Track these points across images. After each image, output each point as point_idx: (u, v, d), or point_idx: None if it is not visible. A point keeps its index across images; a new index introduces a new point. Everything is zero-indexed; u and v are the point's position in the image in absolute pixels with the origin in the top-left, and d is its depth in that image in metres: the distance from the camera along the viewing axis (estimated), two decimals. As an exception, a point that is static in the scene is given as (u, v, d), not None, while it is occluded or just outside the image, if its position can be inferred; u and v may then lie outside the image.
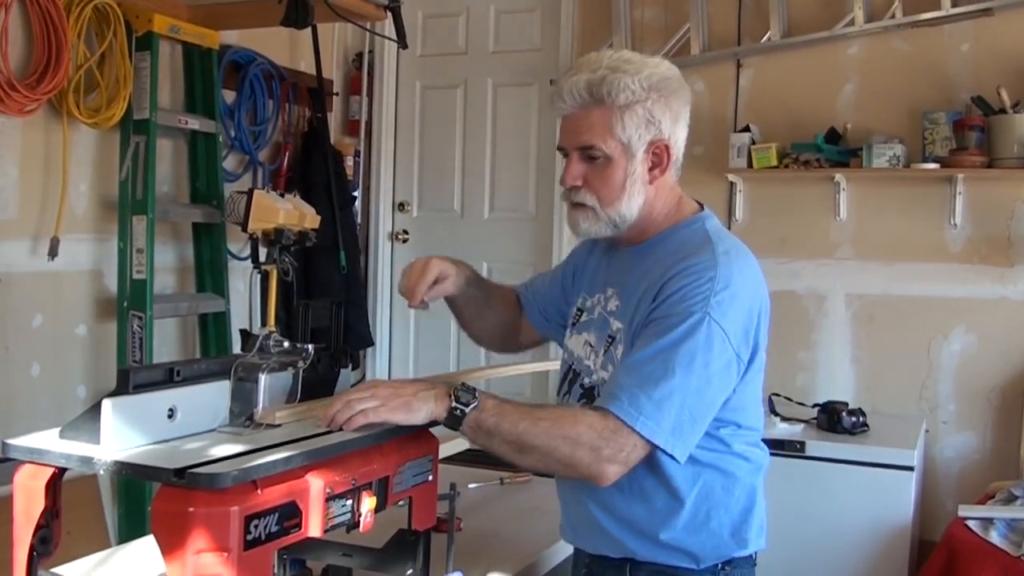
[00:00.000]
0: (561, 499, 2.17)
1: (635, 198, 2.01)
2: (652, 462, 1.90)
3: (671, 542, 1.98)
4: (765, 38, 4.92)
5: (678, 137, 2.04)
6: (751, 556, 2.08)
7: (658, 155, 2.02)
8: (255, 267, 4.10)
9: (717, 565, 2.02)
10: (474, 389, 1.84)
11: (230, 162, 4.85)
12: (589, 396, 2.06)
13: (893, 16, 4.66)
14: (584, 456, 1.82)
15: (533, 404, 1.92)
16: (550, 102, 2.04)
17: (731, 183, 5.01)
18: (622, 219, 2.02)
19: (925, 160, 4.58)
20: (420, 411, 1.81)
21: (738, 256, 2.00)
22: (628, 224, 2.03)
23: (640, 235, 2.07)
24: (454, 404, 1.81)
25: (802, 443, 4.17)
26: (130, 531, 4.03)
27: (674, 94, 2.02)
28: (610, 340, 2.03)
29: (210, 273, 4.59)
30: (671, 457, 1.85)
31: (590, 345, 2.10)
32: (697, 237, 2.02)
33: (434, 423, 1.85)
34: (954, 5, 4.54)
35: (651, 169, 2.02)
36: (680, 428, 1.84)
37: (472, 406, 1.81)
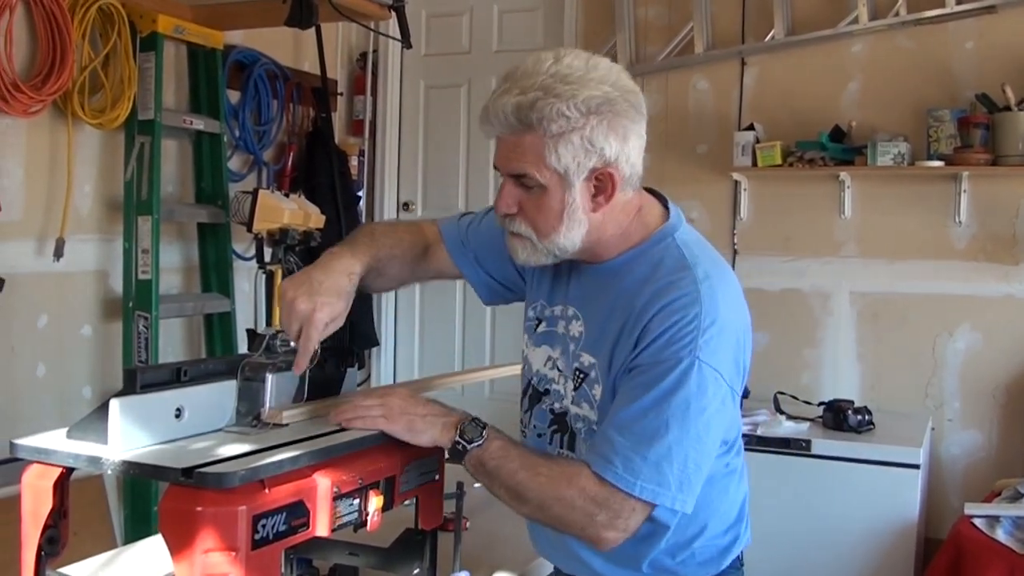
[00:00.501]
0: None
1: (575, 228, 1.80)
2: None
3: (654, 566, 1.91)
4: (769, 36, 4.92)
5: (629, 155, 1.78)
6: (738, 557, 2.02)
7: (601, 182, 1.78)
8: (260, 267, 4.12)
9: None
10: (484, 426, 1.79)
11: (235, 162, 4.85)
12: (560, 423, 1.95)
13: (897, 14, 4.65)
14: (578, 520, 1.74)
15: (540, 453, 1.88)
16: (479, 122, 1.81)
17: (735, 181, 5.01)
18: (562, 250, 1.83)
19: (930, 158, 4.57)
20: (423, 434, 1.79)
21: (719, 279, 1.82)
22: (571, 253, 1.85)
23: (594, 257, 1.89)
24: (457, 438, 1.78)
25: (808, 441, 4.17)
26: (136, 531, 4.03)
27: (620, 115, 1.75)
28: (582, 375, 1.89)
29: (215, 273, 4.59)
30: (679, 512, 1.76)
31: (557, 368, 1.96)
32: (671, 259, 1.84)
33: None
34: (958, 3, 4.53)
35: (594, 196, 1.79)
36: (687, 481, 1.74)
37: (476, 444, 1.77)
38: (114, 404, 1.57)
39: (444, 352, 5.78)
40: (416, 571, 1.93)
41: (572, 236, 1.81)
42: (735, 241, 5.00)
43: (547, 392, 1.99)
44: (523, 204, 1.81)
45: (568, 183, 1.76)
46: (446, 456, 1.83)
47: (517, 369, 2.15)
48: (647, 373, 1.75)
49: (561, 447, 1.95)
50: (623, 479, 1.71)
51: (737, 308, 1.85)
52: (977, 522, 3.77)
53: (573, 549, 1.94)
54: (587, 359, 1.88)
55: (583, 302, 1.93)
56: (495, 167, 1.85)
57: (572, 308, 1.95)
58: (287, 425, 1.78)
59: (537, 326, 2.03)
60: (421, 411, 1.80)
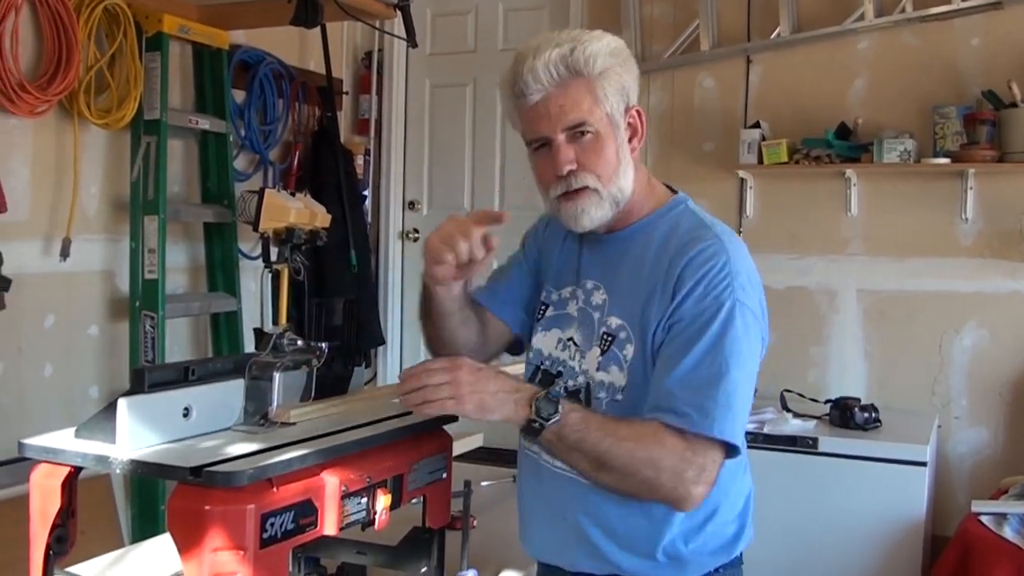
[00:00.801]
0: (531, 515, 2.07)
1: (629, 170, 1.91)
2: None
3: (668, 553, 1.91)
4: (775, 34, 4.91)
5: (637, 100, 1.94)
6: (739, 556, 2.02)
7: (633, 123, 1.92)
8: (266, 266, 4.10)
9: (715, 569, 1.97)
10: (557, 400, 1.76)
11: (240, 162, 4.85)
12: (574, 399, 1.93)
13: (903, 10, 4.64)
14: (667, 481, 1.75)
15: (615, 418, 1.84)
16: (512, 94, 1.89)
17: (741, 179, 5.00)
18: (623, 194, 1.90)
19: (936, 155, 4.57)
20: (494, 413, 1.74)
21: (732, 234, 1.95)
22: (626, 201, 1.92)
23: (624, 219, 1.96)
24: (533, 416, 1.74)
25: (814, 439, 4.17)
26: (143, 530, 4.04)
27: (628, 59, 1.91)
28: (610, 338, 1.91)
29: (222, 272, 4.60)
30: (736, 450, 1.81)
31: (573, 343, 1.99)
32: (687, 221, 1.95)
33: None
34: (964, -1, 4.54)
35: (630, 140, 1.92)
36: (744, 419, 1.82)
37: (553, 420, 1.74)
38: (122, 403, 1.58)
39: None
40: (424, 569, 1.93)
41: (628, 178, 1.90)
42: (741, 239, 4.99)
43: (560, 374, 2.00)
44: (579, 158, 1.86)
45: (616, 124, 1.87)
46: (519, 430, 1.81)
47: (522, 367, 2.15)
48: (693, 325, 1.80)
49: None
50: (700, 424, 1.75)
51: (750, 260, 1.93)
52: (984, 519, 3.76)
53: (592, 541, 1.93)
54: (615, 322, 1.92)
55: (603, 271, 1.98)
56: (532, 142, 1.90)
57: (591, 281, 1.99)
58: (295, 424, 1.79)
59: (544, 311, 2.06)
60: (491, 388, 1.75)
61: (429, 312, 2.03)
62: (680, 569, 1.93)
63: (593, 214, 1.89)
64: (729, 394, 1.76)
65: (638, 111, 1.92)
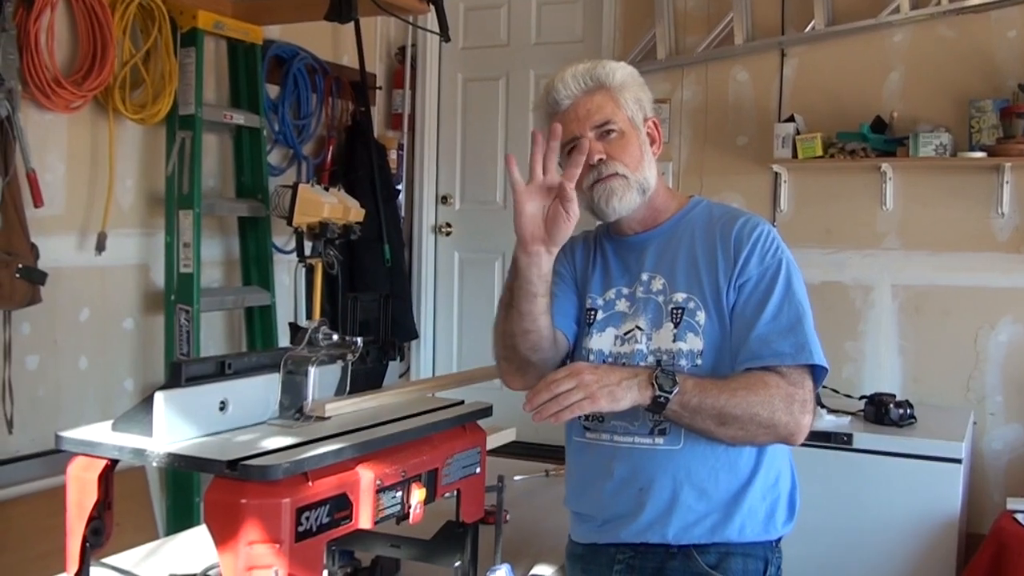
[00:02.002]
0: (599, 499, 2.12)
1: (652, 165, 2.14)
2: None
3: (751, 507, 2.05)
4: (809, 27, 4.89)
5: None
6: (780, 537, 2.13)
7: (651, 132, 2.17)
8: (300, 260, 4.14)
9: (771, 542, 2.09)
10: (672, 373, 1.93)
11: (274, 156, 4.88)
12: None
13: (938, 3, 4.61)
14: (782, 417, 1.95)
15: (719, 377, 2.00)
16: (546, 107, 2.14)
17: (776, 173, 4.97)
18: (648, 184, 2.12)
19: (972, 149, 4.52)
20: (624, 399, 1.89)
21: None
22: (650, 193, 2.13)
23: (654, 217, 2.19)
24: (658, 392, 1.90)
25: (849, 435, 4.14)
26: (178, 522, 4.06)
27: (644, 83, 2.18)
28: (679, 311, 2.08)
29: (256, 266, 4.62)
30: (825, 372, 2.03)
31: (639, 329, 2.10)
32: (717, 208, 2.20)
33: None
34: (1000, -9, 4.49)
35: (651, 145, 2.17)
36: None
37: (675, 392, 1.90)
38: (159, 397, 1.58)
39: (482, 344, 5.74)
40: (457, 563, 1.93)
41: (652, 171, 2.14)
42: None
43: (625, 365, 2.08)
44: (607, 151, 2.09)
45: (637, 127, 2.13)
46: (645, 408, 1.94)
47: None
48: (761, 281, 2.05)
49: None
50: (799, 356, 1.99)
51: None
52: (1019, 517, 3.75)
53: (686, 504, 2.04)
54: (680, 296, 2.10)
55: (656, 261, 2.16)
56: (568, 142, 2.08)
57: (646, 273, 2.16)
58: (330, 418, 1.79)
59: (594, 316, 2.18)
60: (614, 379, 1.90)
61: (517, 301, 2.05)
62: (759, 524, 2.07)
63: (624, 197, 2.10)
64: (812, 329, 2.02)
65: (654, 122, 2.19)
